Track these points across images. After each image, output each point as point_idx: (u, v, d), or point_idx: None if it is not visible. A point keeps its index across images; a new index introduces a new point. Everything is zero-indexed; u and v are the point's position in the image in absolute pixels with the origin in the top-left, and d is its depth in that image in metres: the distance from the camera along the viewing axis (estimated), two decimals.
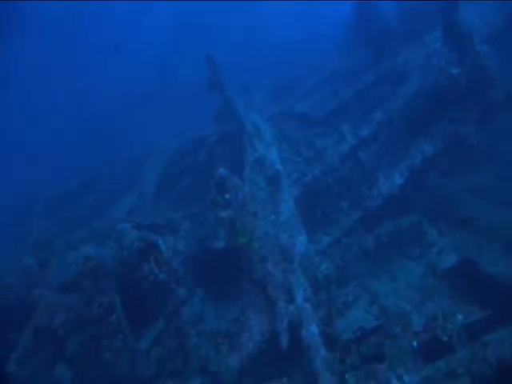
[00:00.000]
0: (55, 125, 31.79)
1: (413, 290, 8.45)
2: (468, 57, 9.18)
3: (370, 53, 13.23)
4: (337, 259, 8.67)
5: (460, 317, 6.84)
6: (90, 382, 6.96)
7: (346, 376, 6.41)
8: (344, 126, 11.53)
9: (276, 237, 8.18)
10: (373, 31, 13.17)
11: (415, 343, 6.77)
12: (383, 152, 10.80)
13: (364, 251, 8.75)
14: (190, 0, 36.33)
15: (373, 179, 9.76)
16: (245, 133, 10.42)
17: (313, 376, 6.44)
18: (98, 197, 14.79)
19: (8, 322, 7.79)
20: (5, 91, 35.54)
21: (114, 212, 12.58)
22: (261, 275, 7.29)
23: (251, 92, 12.82)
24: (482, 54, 9.03)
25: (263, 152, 10.07)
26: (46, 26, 35.49)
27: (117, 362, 6.98)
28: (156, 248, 7.59)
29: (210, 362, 7.08)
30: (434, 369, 6.06)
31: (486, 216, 9.22)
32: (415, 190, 9.51)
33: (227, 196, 6.90)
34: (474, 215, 9.33)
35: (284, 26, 28.80)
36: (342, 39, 15.08)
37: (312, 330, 6.85)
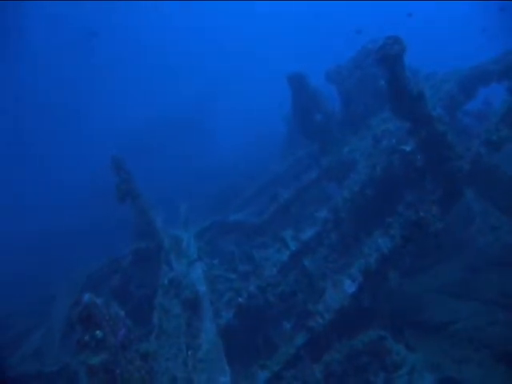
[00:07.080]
0: None
1: None
2: (421, 125, 7.60)
3: (312, 150, 12.02)
4: None
5: None
6: None
7: None
8: (286, 232, 9.87)
9: (188, 382, 5.99)
10: (314, 125, 11.92)
11: None
12: (333, 256, 9.05)
13: None
14: None
15: (320, 290, 7.84)
16: (162, 249, 8.71)
17: None
18: None
19: None
20: None
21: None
22: None
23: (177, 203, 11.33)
24: (436, 118, 7.50)
25: (183, 270, 8.23)
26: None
27: None
28: None
29: None
30: None
31: (462, 318, 7.44)
32: (373, 297, 7.58)
33: (98, 333, 4.85)
34: (448, 319, 7.52)
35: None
36: (284, 138, 14.13)
37: None
